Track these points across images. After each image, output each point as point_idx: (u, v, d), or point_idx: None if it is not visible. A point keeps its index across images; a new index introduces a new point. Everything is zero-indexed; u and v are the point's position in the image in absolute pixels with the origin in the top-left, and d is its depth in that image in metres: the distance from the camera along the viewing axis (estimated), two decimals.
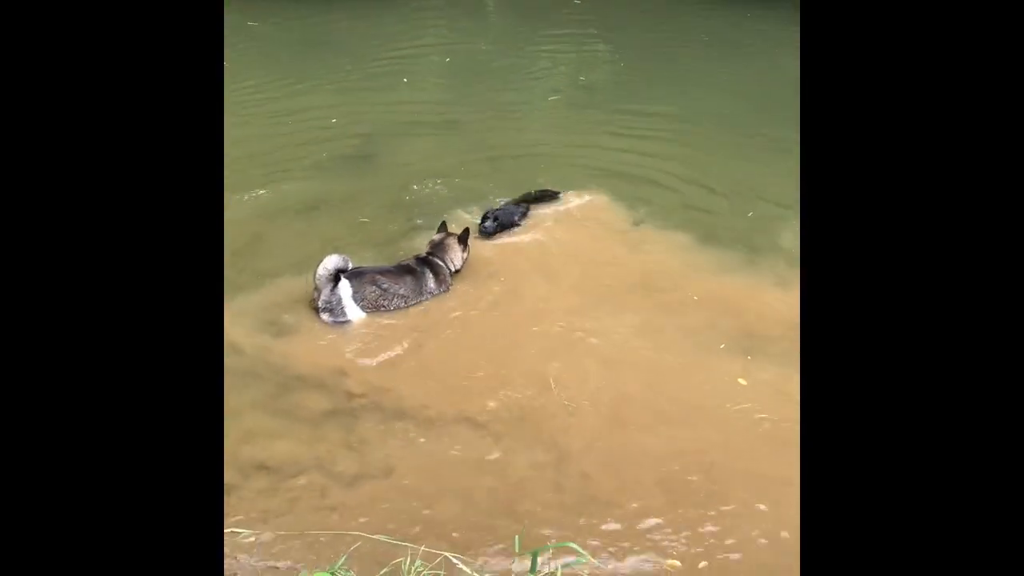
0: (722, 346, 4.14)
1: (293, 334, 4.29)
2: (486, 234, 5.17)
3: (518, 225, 5.36)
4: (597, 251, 5.15)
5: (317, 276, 4.37)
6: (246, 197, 5.66)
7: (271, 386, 3.87)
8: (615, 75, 8.99)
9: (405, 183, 5.99)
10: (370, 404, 3.78)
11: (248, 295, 4.54)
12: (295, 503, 3.20)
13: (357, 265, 4.54)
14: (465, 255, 4.88)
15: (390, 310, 4.52)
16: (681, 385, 3.90)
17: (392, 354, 4.17)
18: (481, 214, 5.36)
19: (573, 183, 5.96)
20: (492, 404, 3.75)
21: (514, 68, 9.07)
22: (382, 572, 2.60)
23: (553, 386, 3.85)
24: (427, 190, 5.92)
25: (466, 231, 4.87)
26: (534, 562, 2.23)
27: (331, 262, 4.36)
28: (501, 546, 2.98)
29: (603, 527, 3.09)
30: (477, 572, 2.63)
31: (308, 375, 3.97)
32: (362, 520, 3.08)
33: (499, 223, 5.25)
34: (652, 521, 3.12)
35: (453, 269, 4.79)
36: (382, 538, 2.78)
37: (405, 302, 4.54)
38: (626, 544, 3.02)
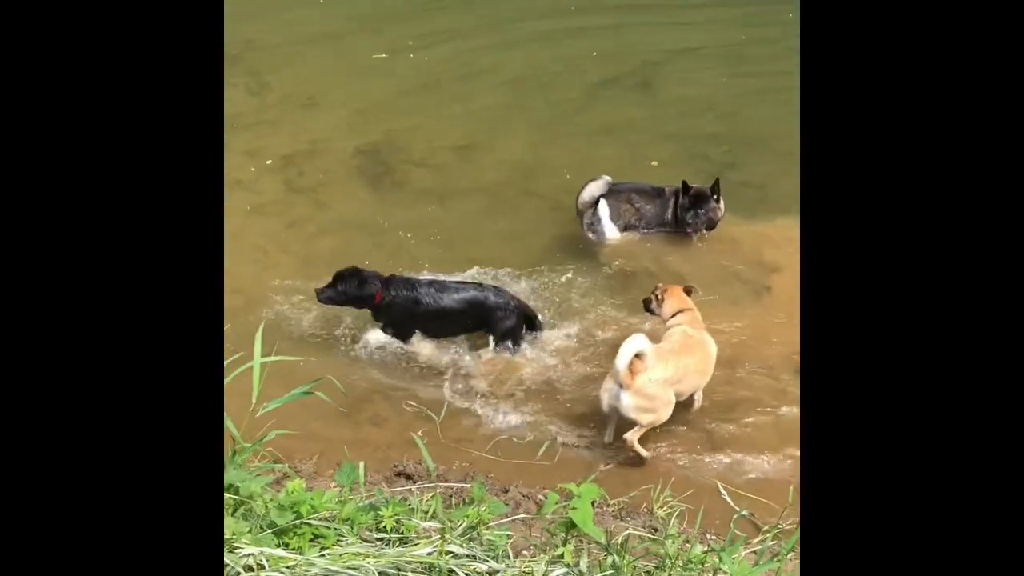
0: None
1: None
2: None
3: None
4: None
5: (581, 201, 4.93)
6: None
7: None
8: None
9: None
10: None
11: None
12: None
13: (616, 183, 4.94)
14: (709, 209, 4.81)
15: (639, 231, 4.90)
16: None
17: None
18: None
19: None
20: None
21: None
22: None
23: None
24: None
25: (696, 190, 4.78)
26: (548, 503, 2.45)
27: (596, 188, 4.89)
28: None
29: None
30: None
31: None
32: None
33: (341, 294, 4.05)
34: None
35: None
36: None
37: (648, 226, 4.92)
38: None
